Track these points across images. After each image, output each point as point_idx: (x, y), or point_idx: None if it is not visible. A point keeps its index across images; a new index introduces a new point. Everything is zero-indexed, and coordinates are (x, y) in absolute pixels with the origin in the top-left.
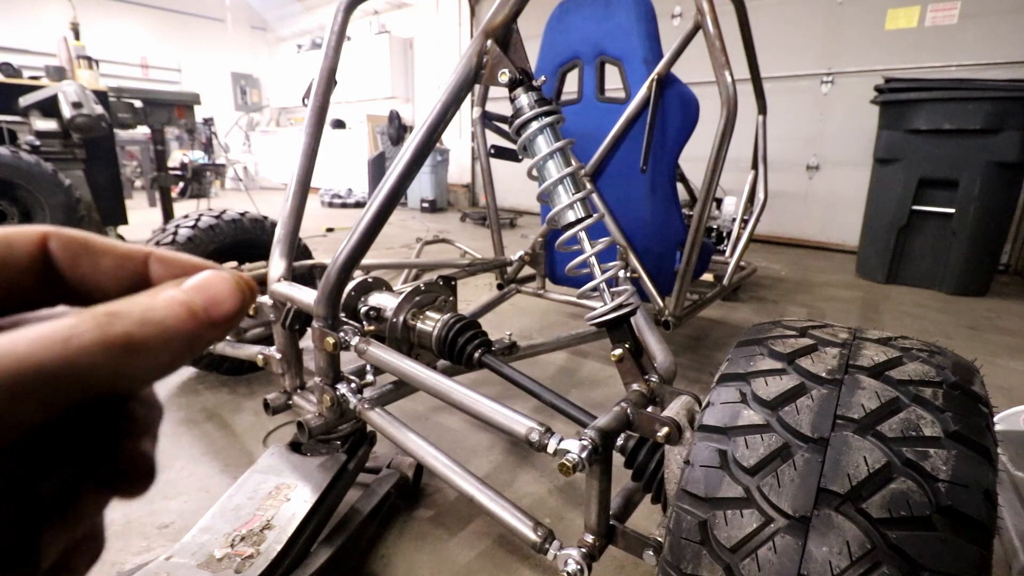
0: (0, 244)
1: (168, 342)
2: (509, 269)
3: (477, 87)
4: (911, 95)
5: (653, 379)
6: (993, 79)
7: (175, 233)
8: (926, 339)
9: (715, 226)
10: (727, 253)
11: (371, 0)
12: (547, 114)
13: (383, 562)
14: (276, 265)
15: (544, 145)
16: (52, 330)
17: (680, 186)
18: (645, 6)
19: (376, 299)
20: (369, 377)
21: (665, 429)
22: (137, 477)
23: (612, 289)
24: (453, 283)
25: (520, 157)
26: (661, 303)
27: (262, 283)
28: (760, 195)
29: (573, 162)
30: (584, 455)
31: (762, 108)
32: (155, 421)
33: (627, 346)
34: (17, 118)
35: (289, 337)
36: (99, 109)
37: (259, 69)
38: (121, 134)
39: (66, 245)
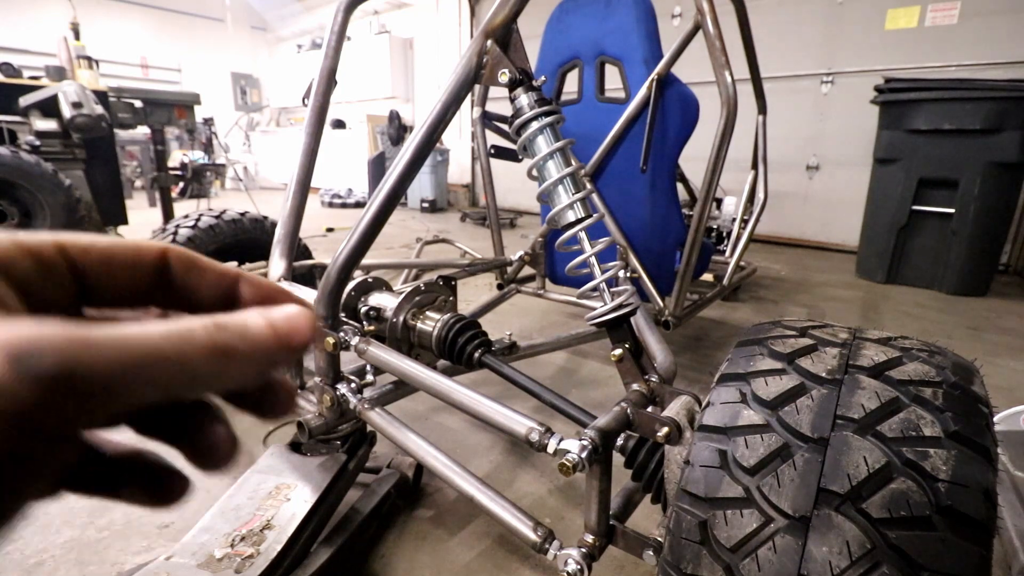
0: (133, 249)
1: (257, 357)
2: (509, 269)
3: (477, 87)
4: (911, 95)
5: (653, 379)
6: (993, 79)
7: (175, 233)
8: (926, 339)
9: (715, 226)
10: (727, 253)
11: (371, 0)
12: (547, 114)
13: (383, 562)
14: (276, 265)
15: (544, 145)
16: (176, 329)
17: (680, 186)
18: (645, 6)
19: (376, 299)
20: (369, 377)
21: (665, 429)
22: (218, 456)
23: (612, 289)
24: (453, 283)
25: (520, 157)
26: (661, 303)
27: None
28: (760, 195)
29: (573, 162)
30: (584, 455)
31: (762, 108)
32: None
33: (627, 346)
34: (17, 118)
35: None
36: (99, 109)
37: (259, 69)
38: (121, 134)
39: (180, 259)
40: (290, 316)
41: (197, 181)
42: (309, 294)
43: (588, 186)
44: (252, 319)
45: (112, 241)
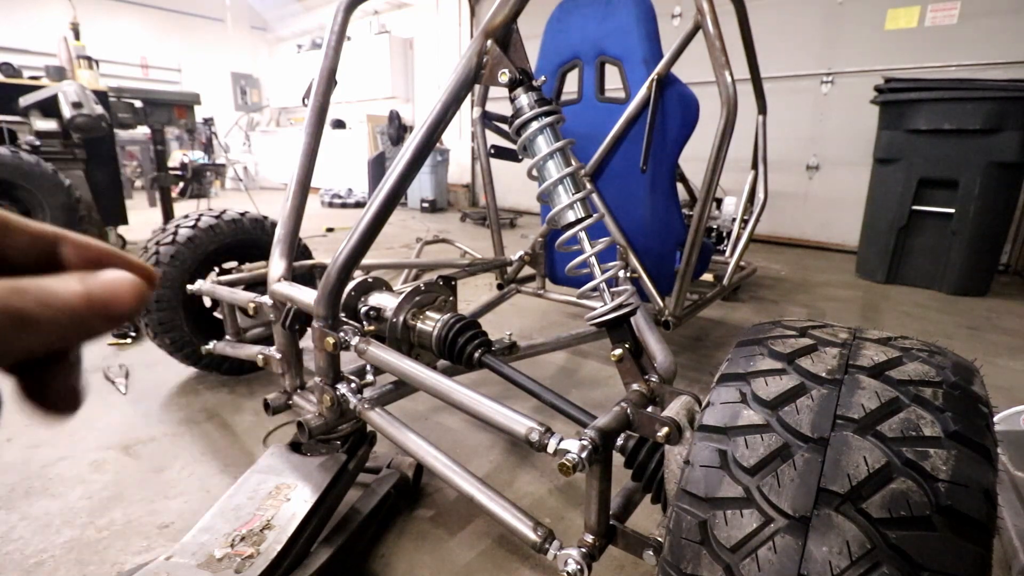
0: None
1: (60, 324)
2: (509, 269)
3: (477, 87)
4: (911, 95)
5: (653, 379)
6: (993, 79)
7: (175, 233)
8: (926, 339)
9: (715, 226)
10: (727, 253)
11: (371, 0)
12: (547, 114)
13: (383, 562)
14: (276, 265)
15: (544, 145)
16: None
17: (680, 186)
18: (645, 6)
19: (376, 299)
20: (369, 377)
21: (665, 429)
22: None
23: (612, 289)
24: (453, 283)
25: (520, 157)
26: (661, 303)
27: (262, 283)
28: (760, 195)
29: (573, 162)
30: (584, 455)
31: (762, 108)
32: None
33: (627, 346)
34: (17, 118)
35: (289, 337)
36: (99, 109)
37: (259, 69)
38: (121, 134)
39: None
40: (111, 282)
41: (197, 181)
42: (309, 294)
43: (588, 186)
44: (61, 283)
45: None
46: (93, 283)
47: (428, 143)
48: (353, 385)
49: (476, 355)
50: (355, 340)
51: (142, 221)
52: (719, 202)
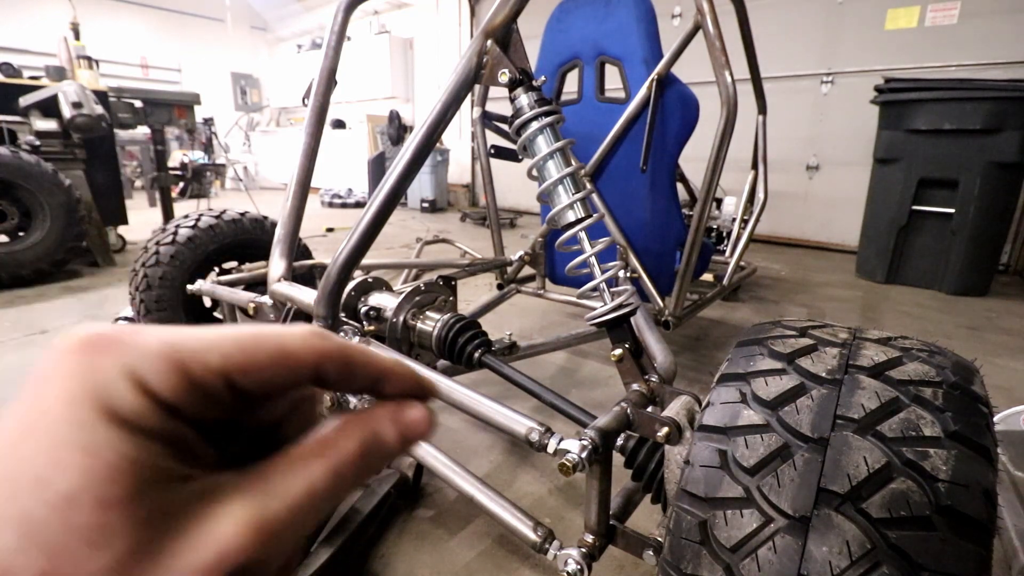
0: (289, 356)
1: (380, 466)
2: (509, 269)
3: (477, 87)
4: (911, 95)
5: (653, 379)
6: (993, 79)
7: (175, 233)
8: (926, 339)
9: (715, 226)
10: (727, 253)
11: (371, 0)
12: (547, 114)
13: (383, 562)
14: (276, 265)
15: (544, 145)
16: (330, 472)
17: (680, 186)
18: (645, 6)
19: (376, 299)
20: None
21: (665, 429)
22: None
23: (612, 289)
24: (453, 283)
25: (520, 157)
26: (661, 303)
27: (262, 283)
28: (760, 195)
29: (573, 162)
30: (584, 455)
31: (762, 108)
32: None
33: (627, 346)
34: (17, 118)
35: None
36: (99, 109)
37: (259, 69)
38: (121, 134)
39: (335, 364)
40: (416, 421)
41: (197, 181)
42: (309, 294)
43: (588, 186)
44: (389, 435)
45: (269, 349)
46: (405, 425)
47: (428, 143)
48: None
49: (476, 355)
50: (355, 340)
51: (142, 221)
52: (719, 202)
